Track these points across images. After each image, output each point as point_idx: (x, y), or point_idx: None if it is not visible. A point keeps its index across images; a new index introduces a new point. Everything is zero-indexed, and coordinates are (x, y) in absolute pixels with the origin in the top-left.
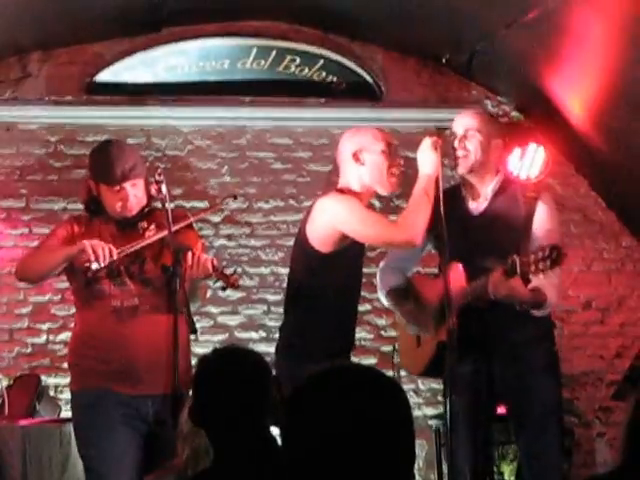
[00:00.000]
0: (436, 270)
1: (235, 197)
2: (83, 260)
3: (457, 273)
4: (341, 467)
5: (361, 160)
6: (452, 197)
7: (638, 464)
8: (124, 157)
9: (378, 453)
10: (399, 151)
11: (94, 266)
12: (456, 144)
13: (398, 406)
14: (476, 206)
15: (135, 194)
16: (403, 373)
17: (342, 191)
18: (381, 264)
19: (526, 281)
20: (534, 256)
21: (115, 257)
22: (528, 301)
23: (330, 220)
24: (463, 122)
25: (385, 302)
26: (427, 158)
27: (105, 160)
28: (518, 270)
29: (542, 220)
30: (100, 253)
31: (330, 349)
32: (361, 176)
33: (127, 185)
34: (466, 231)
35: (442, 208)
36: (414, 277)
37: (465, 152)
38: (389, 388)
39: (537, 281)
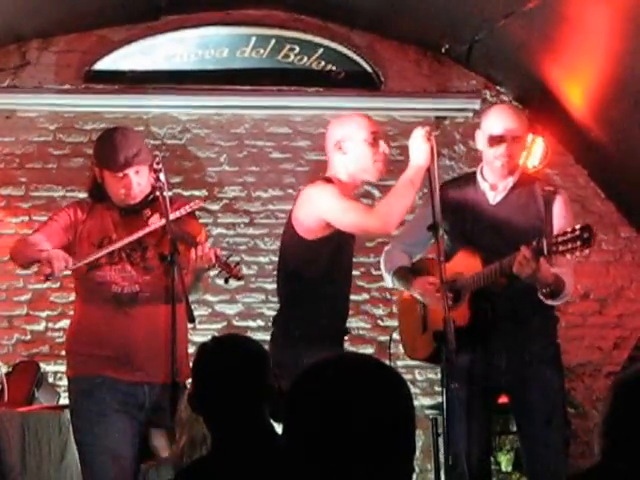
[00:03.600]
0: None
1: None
2: (44, 267)
3: (472, 258)
4: (340, 456)
5: (344, 149)
6: (469, 184)
7: (616, 460)
8: (128, 144)
9: (378, 443)
10: (397, 139)
11: (48, 277)
12: (499, 147)
13: (399, 395)
14: (493, 196)
15: (139, 181)
16: (400, 363)
17: (329, 180)
18: (387, 247)
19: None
20: (563, 237)
21: (70, 268)
22: (551, 284)
23: (313, 208)
24: (507, 124)
25: (390, 282)
26: (418, 148)
27: (109, 147)
28: (545, 250)
29: (562, 213)
30: (55, 265)
31: (321, 338)
32: (346, 166)
33: (130, 172)
34: (482, 218)
35: (437, 196)
36: (424, 260)
37: (510, 159)
38: (389, 377)
39: (556, 269)
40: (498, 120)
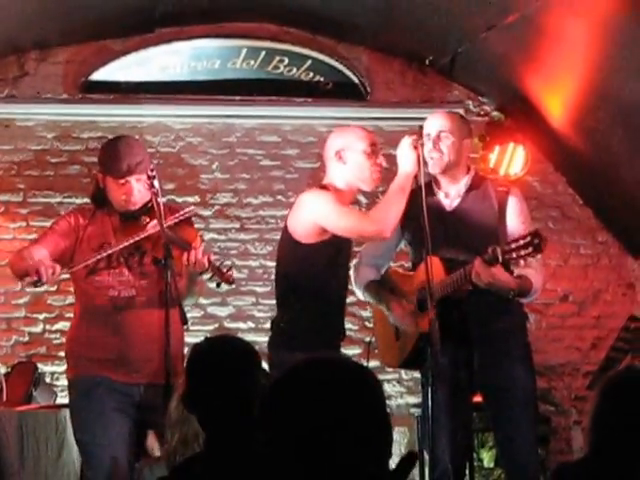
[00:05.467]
0: (408, 265)
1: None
2: (31, 275)
3: (435, 266)
4: (313, 456)
5: (343, 159)
6: (426, 193)
7: (604, 453)
8: (132, 152)
9: (349, 443)
10: (383, 148)
11: (37, 284)
12: (429, 145)
13: (370, 396)
14: (449, 202)
15: (139, 189)
16: None
17: (325, 187)
18: (355, 261)
19: (509, 271)
20: (515, 244)
21: (57, 275)
22: (514, 288)
23: (309, 214)
24: (435, 123)
25: (362, 297)
26: (406, 156)
27: (113, 153)
28: (500, 258)
29: (515, 212)
30: (42, 273)
31: (317, 340)
32: (344, 174)
33: (132, 179)
34: (441, 226)
35: (424, 202)
36: (390, 272)
37: (439, 153)
38: (362, 378)
39: (521, 269)
40: (428, 121)
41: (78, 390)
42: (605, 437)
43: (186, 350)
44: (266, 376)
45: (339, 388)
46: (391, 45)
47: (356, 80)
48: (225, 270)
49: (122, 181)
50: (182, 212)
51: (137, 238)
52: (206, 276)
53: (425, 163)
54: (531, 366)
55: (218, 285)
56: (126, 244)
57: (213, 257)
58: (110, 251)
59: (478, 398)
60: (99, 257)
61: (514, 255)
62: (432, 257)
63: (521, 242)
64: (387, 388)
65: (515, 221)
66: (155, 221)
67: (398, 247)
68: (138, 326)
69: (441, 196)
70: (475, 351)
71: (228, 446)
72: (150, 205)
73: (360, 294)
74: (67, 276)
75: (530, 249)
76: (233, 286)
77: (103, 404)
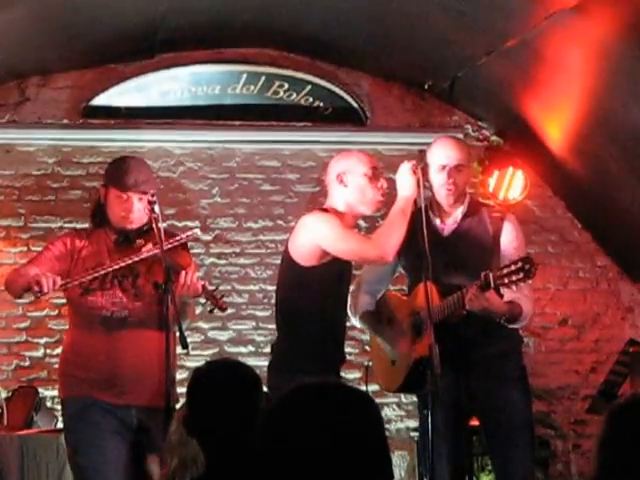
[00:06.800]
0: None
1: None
2: (33, 287)
3: (431, 292)
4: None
5: (344, 182)
6: (421, 219)
7: (610, 477)
8: (139, 169)
9: (348, 467)
10: (382, 173)
11: (37, 295)
12: (444, 176)
13: (368, 421)
14: (445, 228)
15: (139, 208)
16: None
17: (326, 210)
18: (351, 288)
19: (500, 295)
20: (507, 269)
21: (58, 286)
22: (505, 313)
23: (310, 236)
24: (452, 155)
25: (358, 325)
26: (405, 181)
27: (122, 167)
28: (492, 284)
29: (509, 238)
30: (43, 283)
31: (318, 364)
32: (345, 197)
33: (134, 197)
34: (436, 251)
35: (424, 225)
36: (385, 296)
37: (454, 186)
38: (359, 403)
39: (511, 294)
40: (440, 151)
41: (71, 411)
42: (611, 463)
43: (186, 375)
44: (267, 400)
45: (337, 413)
46: (390, 70)
47: (355, 105)
48: (219, 296)
49: (125, 196)
50: (179, 237)
51: (132, 260)
52: (200, 302)
53: (425, 187)
54: (527, 389)
55: (211, 311)
56: (122, 264)
57: (207, 284)
58: (106, 270)
59: (477, 422)
60: (95, 275)
61: (506, 280)
62: (427, 283)
63: (512, 267)
64: (387, 412)
65: (509, 247)
66: (150, 245)
67: (396, 272)
68: (130, 348)
69: (437, 221)
70: (472, 375)
71: (228, 469)
72: (146, 228)
73: (356, 322)
74: (65, 301)
75: (521, 274)
76: (233, 310)
77: (95, 425)
